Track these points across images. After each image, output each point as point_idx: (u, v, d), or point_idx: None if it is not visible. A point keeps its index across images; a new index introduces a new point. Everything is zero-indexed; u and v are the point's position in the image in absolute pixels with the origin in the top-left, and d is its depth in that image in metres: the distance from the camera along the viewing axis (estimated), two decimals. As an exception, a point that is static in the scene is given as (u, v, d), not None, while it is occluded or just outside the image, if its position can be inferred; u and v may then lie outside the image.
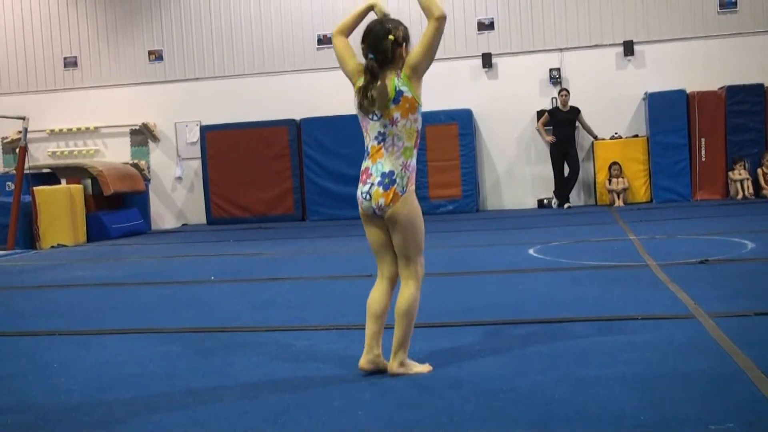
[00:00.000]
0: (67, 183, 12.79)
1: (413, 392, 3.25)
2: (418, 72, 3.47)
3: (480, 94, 14.13)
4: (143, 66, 15.24)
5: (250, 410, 3.10)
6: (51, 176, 13.10)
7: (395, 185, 3.45)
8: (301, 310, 5.33)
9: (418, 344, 3.84)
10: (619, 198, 13.25)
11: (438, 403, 3.09)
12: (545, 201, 13.82)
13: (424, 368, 3.55)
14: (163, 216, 15.15)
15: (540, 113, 13.82)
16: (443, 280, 6.22)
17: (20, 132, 12.12)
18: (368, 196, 3.52)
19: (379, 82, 3.46)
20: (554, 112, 13.56)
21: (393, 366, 3.49)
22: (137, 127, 15.20)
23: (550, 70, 13.95)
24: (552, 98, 13.91)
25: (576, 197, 13.92)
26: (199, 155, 14.83)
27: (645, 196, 13.54)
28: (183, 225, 15.02)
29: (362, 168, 3.59)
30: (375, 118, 3.51)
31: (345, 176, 13.87)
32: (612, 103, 13.79)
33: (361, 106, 3.52)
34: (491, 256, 7.75)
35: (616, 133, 13.74)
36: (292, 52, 14.77)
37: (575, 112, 13.51)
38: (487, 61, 14.11)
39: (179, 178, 15.16)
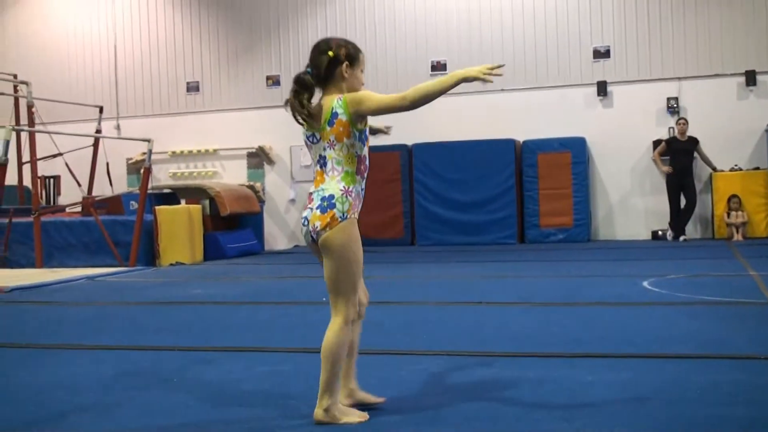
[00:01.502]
0: (187, 203, 13.25)
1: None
2: (359, 113, 3.33)
3: (594, 122, 13.95)
4: (261, 91, 15.69)
5: (360, 430, 3.15)
6: (171, 196, 13.59)
7: (334, 209, 3.27)
8: (409, 335, 5.37)
9: (532, 371, 3.82)
10: (737, 232, 12.81)
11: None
12: (660, 233, 13.48)
13: (357, 417, 3.27)
14: (276, 237, 15.50)
15: (657, 143, 13.52)
16: (554, 309, 6.15)
17: (144, 153, 12.65)
18: (305, 221, 3.35)
19: (306, 95, 3.41)
20: (672, 142, 13.25)
21: (317, 413, 3.25)
22: (254, 150, 15.63)
23: (668, 99, 13.65)
24: (669, 128, 13.60)
25: (692, 230, 13.53)
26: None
27: (766, 231, 13.05)
28: (294, 246, 15.32)
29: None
30: (315, 141, 3.40)
31: (454, 202, 13.94)
32: (732, 135, 13.38)
33: (294, 118, 3.43)
34: (604, 288, 7.61)
35: (736, 165, 13.32)
36: (406, 78, 14.90)
37: (693, 142, 13.17)
38: (602, 89, 13.93)
39: (293, 200, 15.49)
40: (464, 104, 14.33)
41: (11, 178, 12.34)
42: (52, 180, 15.32)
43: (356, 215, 3.35)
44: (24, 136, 13.14)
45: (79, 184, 14.23)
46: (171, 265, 11.72)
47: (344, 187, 3.31)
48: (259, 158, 15.66)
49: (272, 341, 5.27)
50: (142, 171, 12.35)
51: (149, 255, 11.79)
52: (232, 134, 15.74)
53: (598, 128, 13.91)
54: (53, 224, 12.25)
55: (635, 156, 13.86)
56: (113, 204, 13.64)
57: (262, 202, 14.90)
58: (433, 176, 14.22)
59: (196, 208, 12.78)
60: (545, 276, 8.77)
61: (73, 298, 8.28)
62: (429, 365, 4.35)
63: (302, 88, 3.42)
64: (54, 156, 13.84)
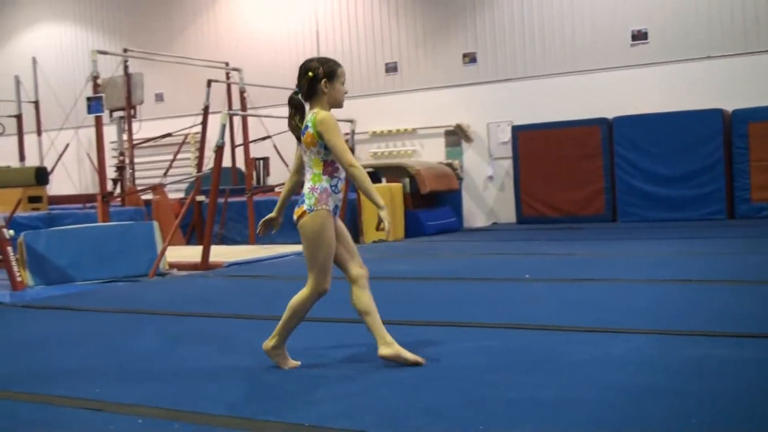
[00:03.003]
0: (388, 182, 13.60)
1: None
2: (320, 136, 3.92)
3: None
4: (458, 68, 15.78)
5: (575, 407, 3.17)
6: (373, 175, 13.97)
7: (304, 204, 3.96)
8: (613, 312, 5.30)
9: (750, 352, 3.68)
10: None
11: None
12: None
13: (291, 363, 4.06)
14: (474, 214, 15.60)
15: None
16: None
17: (346, 134, 13.08)
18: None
19: (298, 116, 4.08)
20: None
21: (266, 344, 4.08)
22: (451, 128, 15.77)
23: None
24: None
25: None
26: (511, 155, 15.09)
27: None
28: (493, 223, 15.36)
29: None
30: (300, 145, 4.07)
31: (657, 176, 13.50)
32: None
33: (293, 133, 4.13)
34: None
35: None
36: (605, 50, 14.54)
37: None
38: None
39: (491, 178, 15.52)
40: (666, 74, 13.80)
41: (225, 161, 13.11)
42: (261, 161, 16.15)
43: (326, 207, 3.96)
44: (236, 120, 13.94)
45: (287, 165, 14.91)
46: (374, 242, 12.10)
47: (311, 185, 3.97)
48: (456, 136, 15.79)
49: (476, 316, 5.36)
50: (345, 151, 12.77)
51: (353, 232, 12.20)
52: (430, 113, 15.95)
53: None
54: (264, 203, 12.96)
55: None
56: (318, 183, 14.20)
57: (460, 179, 15.04)
58: (636, 150, 13.80)
59: (397, 187, 13.10)
60: (759, 252, 8.34)
61: (283, 272, 8.76)
62: (639, 344, 4.28)
63: (294, 108, 4.11)
64: (263, 138, 14.56)
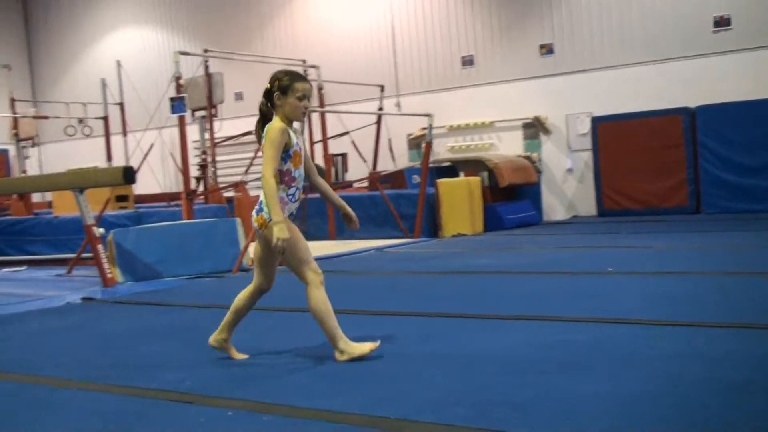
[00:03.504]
0: (465, 175, 13.58)
1: None
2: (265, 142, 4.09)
3: None
4: (535, 60, 15.64)
5: (660, 402, 3.13)
6: (450, 169, 13.99)
7: (263, 212, 4.10)
8: (699, 305, 5.20)
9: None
10: None
11: None
12: None
13: (368, 346, 4.08)
14: (554, 207, 15.45)
15: None
16: None
17: (423, 129, 13.12)
18: (252, 218, 4.23)
19: (263, 124, 4.21)
20: None
21: (339, 358, 4.08)
22: (529, 121, 15.64)
23: None
24: None
25: None
26: (590, 147, 14.90)
27: None
28: (573, 216, 15.19)
29: None
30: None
31: (743, 166, 13.16)
32: None
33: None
34: None
35: None
36: (686, 37, 14.22)
37: None
38: None
39: (570, 170, 15.35)
40: (749, 62, 13.44)
41: (305, 157, 13.31)
42: (340, 157, 16.29)
43: (286, 214, 4.13)
44: (314, 117, 14.10)
45: (365, 161, 15.03)
46: (453, 236, 12.10)
47: None
48: (534, 128, 15.65)
49: (557, 310, 5.32)
50: (423, 145, 12.81)
51: (432, 226, 12.26)
52: (508, 105, 15.85)
53: None
54: (343, 199, 13.05)
55: None
56: (397, 178, 14.29)
57: (539, 172, 14.91)
58: (719, 140, 13.49)
59: (475, 180, 13.07)
60: None
61: (364, 267, 8.84)
62: (722, 338, 4.21)
63: (261, 116, 4.26)
64: (341, 134, 14.72)
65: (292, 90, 4.14)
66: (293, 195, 4.20)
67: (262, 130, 4.18)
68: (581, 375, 3.61)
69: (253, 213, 4.21)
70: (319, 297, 4.11)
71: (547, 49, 15.53)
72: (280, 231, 3.99)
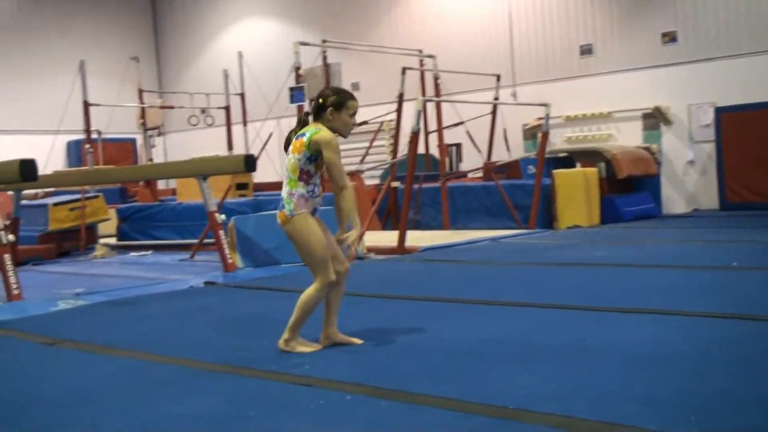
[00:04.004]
0: (582, 166, 13.36)
1: None
2: (317, 149, 4.26)
3: None
4: (656, 48, 15.21)
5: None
6: (567, 160, 13.78)
7: (285, 209, 4.36)
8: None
9: None
10: None
11: None
12: None
13: (310, 348, 4.37)
14: (673, 200, 15.03)
15: None
16: None
17: (540, 119, 12.98)
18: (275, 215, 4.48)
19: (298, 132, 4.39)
20: None
21: (280, 343, 4.39)
22: (649, 111, 15.24)
23: None
24: None
25: None
26: (713, 138, 14.41)
27: None
28: (694, 210, 14.74)
29: None
30: (286, 153, 4.41)
31: None
32: None
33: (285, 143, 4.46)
34: None
35: None
36: (765, 29, 13.56)
37: None
38: None
39: (692, 162, 14.89)
40: None
41: (419, 147, 13.35)
42: (454, 147, 16.27)
43: (306, 211, 4.35)
44: (429, 106, 14.13)
45: (479, 151, 14.96)
46: (568, 227, 11.94)
47: (289, 190, 4.36)
48: (655, 119, 15.24)
49: (680, 305, 5.19)
50: (539, 136, 12.67)
51: (547, 218, 12.12)
52: (627, 95, 15.47)
53: None
54: (457, 189, 13.08)
55: None
56: (512, 169, 14.18)
57: (659, 164, 14.52)
58: None
59: (592, 171, 12.84)
60: None
61: (478, 257, 8.82)
62: None
63: (298, 126, 4.45)
64: (456, 124, 14.69)
65: (346, 107, 4.38)
66: (312, 191, 4.38)
67: (294, 136, 4.38)
68: (710, 370, 3.53)
69: (277, 210, 4.45)
70: (314, 296, 4.36)
71: (670, 38, 15.07)
72: (357, 236, 4.44)
